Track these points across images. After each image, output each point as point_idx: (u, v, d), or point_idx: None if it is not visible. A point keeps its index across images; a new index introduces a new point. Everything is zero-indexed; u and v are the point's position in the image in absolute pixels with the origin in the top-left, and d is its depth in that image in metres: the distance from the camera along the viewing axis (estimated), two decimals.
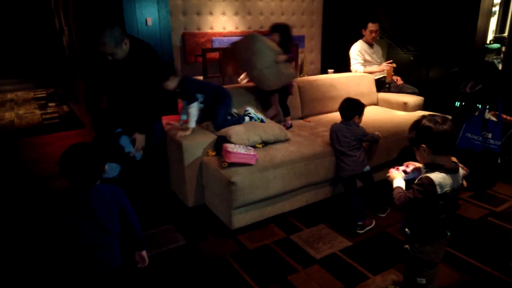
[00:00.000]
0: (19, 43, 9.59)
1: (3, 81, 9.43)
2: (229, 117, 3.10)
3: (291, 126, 3.48)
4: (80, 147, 1.57)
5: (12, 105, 7.36)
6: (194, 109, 2.94)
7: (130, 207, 1.69)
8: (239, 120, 3.08)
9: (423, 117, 1.61)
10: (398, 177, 1.72)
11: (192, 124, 2.95)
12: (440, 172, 1.55)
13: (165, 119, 3.34)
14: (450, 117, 3.60)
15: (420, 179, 1.57)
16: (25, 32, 9.46)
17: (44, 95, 8.27)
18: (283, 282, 2.19)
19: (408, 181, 1.72)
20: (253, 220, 2.73)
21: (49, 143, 4.77)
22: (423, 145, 1.57)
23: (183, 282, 2.21)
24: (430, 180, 1.52)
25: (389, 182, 1.76)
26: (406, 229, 1.70)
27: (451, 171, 1.56)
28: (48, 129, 5.50)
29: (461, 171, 1.63)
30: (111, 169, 2.36)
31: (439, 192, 1.52)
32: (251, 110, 3.18)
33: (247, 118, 3.11)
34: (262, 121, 3.15)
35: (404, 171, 1.74)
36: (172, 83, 2.87)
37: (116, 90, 2.77)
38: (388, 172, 1.78)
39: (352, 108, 2.79)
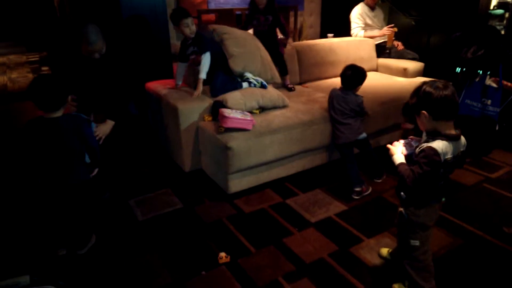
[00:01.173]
0: (8, 5, 9.26)
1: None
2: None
3: (293, 89, 3.43)
4: (48, 76, 2.02)
5: (4, 68, 7.20)
6: (207, 59, 2.89)
7: (91, 132, 2.09)
8: (236, 86, 3.01)
9: (424, 83, 1.57)
10: (397, 152, 1.69)
11: (203, 75, 2.90)
12: (442, 139, 1.53)
13: (160, 83, 3.29)
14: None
15: (423, 150, 1.54)
16: None
17: (37, 58, 8.08)
18: (279, 244, 2.22)
19: (407, 156, 1.70)
20: (250, 184, 2.73)
21: None
22: (424, 111, 1.54)
23: (180, 244, 2.24)
24: (434, 150, 1.50)
25: (388, 154, 1.73)
26: (402, 193, 1.70)
27: (452, 138, 1.54)
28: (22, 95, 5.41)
29: (463, 139, 1.61)
30: None
31: (442, 160, 1.51)
32: (249, 75, 3.11)
33: (245, 84, 3.04)
34: (262, 84, 3.07)
35: (409, 143, 1.70)
36: (185, 29, 2.85)
37: (88, 87, 2.62)
38: (390, 146, 1.74)
39: (357, 77, 2.68)
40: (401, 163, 1.65)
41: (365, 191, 2.73)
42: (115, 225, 2.42)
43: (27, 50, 8.93)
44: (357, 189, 2.70)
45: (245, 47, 3.12)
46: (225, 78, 3.01)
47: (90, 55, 2.54)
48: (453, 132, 1.55)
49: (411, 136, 1.76)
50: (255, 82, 3.06)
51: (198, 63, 2.97)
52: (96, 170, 2.22)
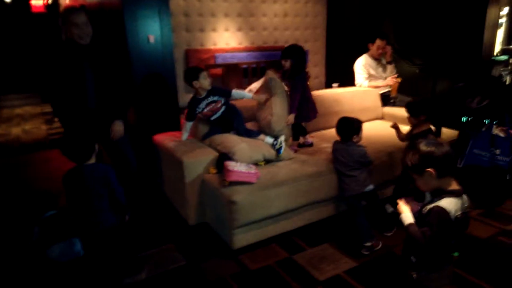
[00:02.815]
0: (26, 58, 9.73)
1: (12, 96, 9.54)
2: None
3: (311, 144, 3.39)
4: (75, 132, 2.25)
5: (19, 120, 7.42)
6: (239, 93, 3.16)
7: (117, 182, 2.20)
8: (258, 134, 3.10)
9: (418, 142, 1.56)
10: (406, 211, 1.62)
11: (249, 95, 3.20)
12: (449, 197, 1.49)
13: (167, 135, 3.33)
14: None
15: (432, 211, 1.49)
16: (32, 47, 9.59)
17: (51, 110, 8.33)
18: None
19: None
20: (255, 239, 2.66)
21: (53, 158, 4.77)
22: (430, 169, 1.50)
23: None
24: (444, 210, 1.46)
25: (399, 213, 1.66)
26: (412, 257, 1.63)
27: (458, 193, 1.50)
28: (53, 144, 5.52)
29: (465, 196, 1.57)
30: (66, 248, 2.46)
31: (452, 218, 1.46)
32: (282, 138, 3.05)
33: (268, 139, 3.05)
34: (278, 150, 3.00)
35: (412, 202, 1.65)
36: (204, 81, 2.94)
37: (82, 89, 2.74)
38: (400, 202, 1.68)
39: (348, 128, 2.70)
40: (411, 224, 1.57)
41: (376, 246, 2.63)
42: (118, 285, 2.34)
43: (41, 100, 9.24)
44: (368, 244, 2.60)
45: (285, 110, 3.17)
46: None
47: (79, 39, 2.65)
48: (458, 187, 1.52)
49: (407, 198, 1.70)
50: (279, 146, 3.00)
51: (216, 111, 3.04)
52: (128, 216, 2.33)
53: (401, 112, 4.15)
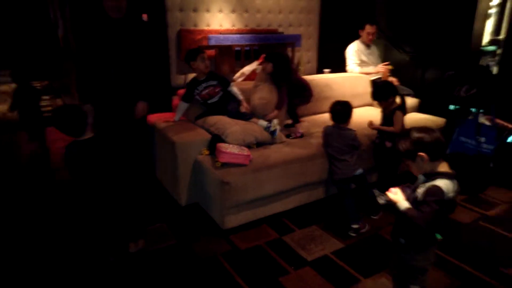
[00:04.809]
0: (13, 35, 9.45)
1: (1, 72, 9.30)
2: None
3: (302, 135, 3.31)
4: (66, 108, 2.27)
5: (5, 97, 7.25)
6: (236, 90, 3.18)
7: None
8: (250, 116, 3.11)
9: (410, 130, 1.63)
10: (401, 199, 1.64)
11: (240, 98, 3.20)
12: (442, 178, 1.55)
13: (159, 116, 3.33)
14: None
15: (428, 189, 1.55)
16: (19, 24, 9.32)
17: (39, 87, 8.17)
18: (274, 284, 2.19)
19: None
20: (246, 220, 2.72)
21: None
22: (422, 154, 1.56)
23: (174, 281, 2.20)
24: (439, 188, 1.52)
25: (392, 203, 1.68)
26: (401, 239, 1.69)
27: (452, 176, 1.57)
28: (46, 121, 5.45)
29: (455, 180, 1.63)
30: None
31: (445, 198, 1.53)
32: (276, 121, 3.08)
33: (262, 121, 3.06)
34: (273, 133, 3.03)
35: (404, 190, 1.68)
36: (201, 64, 2.98)
37: (111, 68, 2.76)
38: (390, 192, 1.69)
39: (347, 111, 2.76)
40: (409, 209, 1.60)
41: (363, 228, 2.71)
42: (108, 259, 2.38)
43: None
44: (355, 226, 2.68)
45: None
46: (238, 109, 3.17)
47: (114, 12, 2.63)
48: (450, 170, 1.58)
49: (403, 185, 1.75)
50: (273, 129, 3.03)
51: (213, 95, 3.08)
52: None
53: None
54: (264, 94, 3.16)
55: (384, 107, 3.02)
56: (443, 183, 1.53)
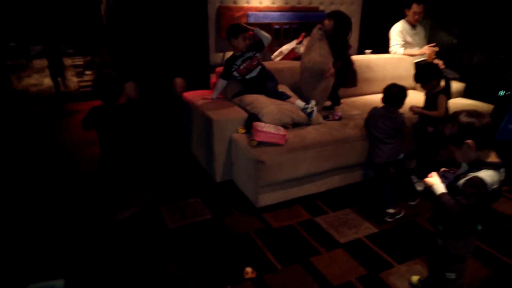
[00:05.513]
0: (59, 10, 9.76)
1: (42, 47, 9.67)
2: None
3: (340, 118, 3.19)
4: (107, 75, 2.50)
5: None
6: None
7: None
8: (288, 96, 3.07)
9: (458, 114, 1.52)
10: (437, 182, 1.59)
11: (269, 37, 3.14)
12: (488, 169, 1.47)
13: (197, 93, 3.36)
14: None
15: (470, 180, 1.48)
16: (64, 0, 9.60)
17: (82, 62, 8.46)
18: (306, 263, 2.20)
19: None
20: (279, 199, 2.73)
21: (84, 110, 4.89)
22: (469, 141, 1.48)
23: (207, 255, 2.26)
24: (482, 181, 1.45)
25: (428, 186, 1.63)
26: (439, 225, 1.64)
27: (498, 166, 1.49)
28: (84, 96, 5.66)
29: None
30: None
31: (489, 190, 1.46)
32: (313, 102, 3.02)
33: (299, 102, 3.02)
34: (310, 114, 2.98)
35: (443, 176, 1.63)
36: (241, 42, 2.99)
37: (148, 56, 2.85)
38: (428, 177, 1.65)
39: (402, 96, 2.66)
40: (444, 193, 1.56)
41: (398, 214, 2.66)
42: (146, 231, 2.48)
43: (73, 53, 9.36)
44: (391, 211, 2.63)
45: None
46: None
47: None
48: (497, 160, 1.50)
49: (444, 168, 1.69)
50: (310, 110, 2.97)
51: (251, 69, 3.07)
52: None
53: None
54: (323, 51, 3.06)
55: (427, 90, 2.90)
56: (487, 175, 1.46)
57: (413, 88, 4.21)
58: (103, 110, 2.43)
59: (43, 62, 8.32)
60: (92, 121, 2.42)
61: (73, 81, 6.75)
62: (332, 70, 3.09)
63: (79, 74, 7.31)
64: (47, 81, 6.68)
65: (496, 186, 1.47)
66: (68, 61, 8.64)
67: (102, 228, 2.47)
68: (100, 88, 2.42)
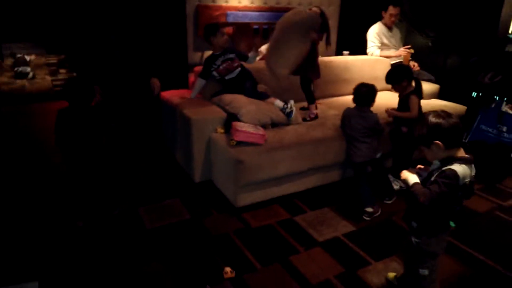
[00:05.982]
0: (32, 8, 9.48)
1: (17, 45, 9.37)
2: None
3: (316, 117, 3.21)
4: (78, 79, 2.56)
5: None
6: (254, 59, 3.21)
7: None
8: (267, 96, 3.08)
9: (427, 114, 1.57)
10: (410, 174, 1.63)
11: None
12: (459, 163, 1.51)
13: (175, 93, 3.33)
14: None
15: (443, 171, 1.51)
16: None
17: (56, 61, 8.23)
18: (285, 262, 2.20)
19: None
20: (258, 199, 2.73)
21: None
22: (437, 142, 1.52)
23: (186, 255, 2.23)
24: (455, 172, 1.49)
25: (403, 180, 1.67)
26: (413, 222, 1.68)
27: (469, 161, 1.53)
28: (57, 95, 5.52)
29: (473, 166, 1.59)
30: None
31: (460, 183, 1.50)
32: (292, 102, 3.04)
33: (278, 102, 3.01)
34: (289, 114, 2.99)
35: (418, 173, 1.66)
36: (220, 38, 3.00)
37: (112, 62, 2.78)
38: (401, 174, 1.69)
39: (371, 94, 2.71)
40: (416, 183, 1.59)
41: (376, 213, 2.70)
42: (123, 232, 2.43)
43: (46, 52, 9.10)
44: (369, 209, 2.67)
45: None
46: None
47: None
48: (467, 155, 1.54)
49: (419, 166, 1.73)
50: (289, 110, 2.98)
51: (231, 70, 3.06)
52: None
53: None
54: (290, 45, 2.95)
55: (398, 92, 2.97)
56: (460, 168, 1.50)
57: (390, 89, 4.30)
58: (72, 112, 2.35)
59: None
60: (63, 125, 2.34)
61: (46, 79, 6.56)
62: (315, 36, 3.05)
63: (53, 73, 7.11)
64: (19, 80, 6.48)
65: (467, 180, 1.51)
66: (41, 60, 8.40)
67: (78, 228, 2.41)
68: (71, 92, 2.35)
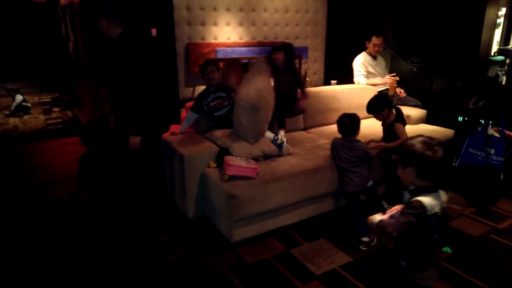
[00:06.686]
0: (26, 48, 9.66)
1: (10, 85, 9.47)
2: None
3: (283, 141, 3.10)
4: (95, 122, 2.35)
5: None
6: None
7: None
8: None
9: (417, 138, 1.56)
10: (374, 216, 1.66)
11: None
12: (426, 195, 1.53)
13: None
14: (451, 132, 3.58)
15: (410, 203, 1.53)
16: (31, 37, 9.53)
17: (49, 99, 8.31)
18: None
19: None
20: (253, 233, 2.71)
21: (51, 148, 4.78)
22: (412, 167, 1.54)
23: None
24: (421, 203, 1.50)
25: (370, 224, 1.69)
26: (402, 261, 1.68)
27: (432, 189, 1.55)
28: (51, 134, 5.53)
29: (443, 192, 1.60)
30: None
31: (429, 214, 1.51)
32: (282, 133, 3.15)
33: (268, 135, 3.05)
34: (280, 145, 3.02)
35: (392, 216, 1.66)
36: (213, 74, 3.10)
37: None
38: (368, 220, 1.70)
39: (354, 124, 2.77)
40: (382, 219, 1.61)
41: (373, 241, 2.69)
42: (117, 273, 2.39)
43: (40, 91, 9.19)
44: (365, 239, 2.66)
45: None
46: None
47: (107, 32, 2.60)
48: (431, 183, 1.55)
49: (394, 208, 1.74)
50: (280, 141, 3.02)
51: (220, 108, 3.14)
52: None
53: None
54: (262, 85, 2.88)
55: (380, 120, 3.06)
56: (425, 199, 1.51)
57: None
58: (93, 158, 2.31)
59: (8, 101, 8.13)
60: (86, 171, 2.29)
61: (40, 119, 6.60)
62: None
63: (46, 112, 7.16)
64: (12, 120, 6.51)
65: (437, 209, 1.52)
66: (35, 99, 8.47)
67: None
68: (89, 137, 2.30)
